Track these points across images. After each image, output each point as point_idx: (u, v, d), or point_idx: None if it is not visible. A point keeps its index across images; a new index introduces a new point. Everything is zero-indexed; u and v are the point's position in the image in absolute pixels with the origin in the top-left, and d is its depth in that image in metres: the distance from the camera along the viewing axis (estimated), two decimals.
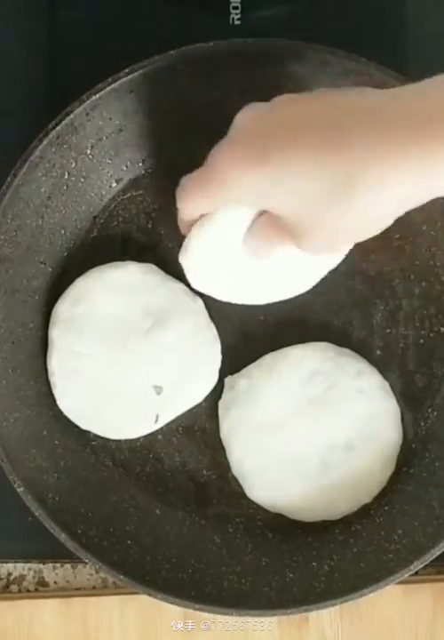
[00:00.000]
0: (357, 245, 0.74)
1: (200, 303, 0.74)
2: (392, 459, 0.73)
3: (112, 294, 0.73)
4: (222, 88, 0.74)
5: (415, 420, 0.75)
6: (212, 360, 0.74)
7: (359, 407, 0.73)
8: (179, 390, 0.73)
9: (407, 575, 0.69)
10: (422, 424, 0.75)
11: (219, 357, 0.74)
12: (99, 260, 0.75)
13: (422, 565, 0.69)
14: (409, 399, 0.75)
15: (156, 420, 0.73)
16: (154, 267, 0.74)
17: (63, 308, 0.73)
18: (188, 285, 0.73)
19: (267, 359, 0.74)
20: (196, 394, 0.74)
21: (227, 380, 0.74)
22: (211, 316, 0.75)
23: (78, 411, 0.73)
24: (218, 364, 0.74)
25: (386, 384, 0.74)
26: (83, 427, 0.73)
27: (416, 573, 0.71)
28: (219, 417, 0.74)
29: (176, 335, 0.73)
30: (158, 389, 0.73)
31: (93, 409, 0.73)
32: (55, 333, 0.73)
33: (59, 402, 0.73)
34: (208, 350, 0.74)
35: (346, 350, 0.74)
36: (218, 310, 0.75)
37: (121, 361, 0.73)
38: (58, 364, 0.73)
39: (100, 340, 0.73)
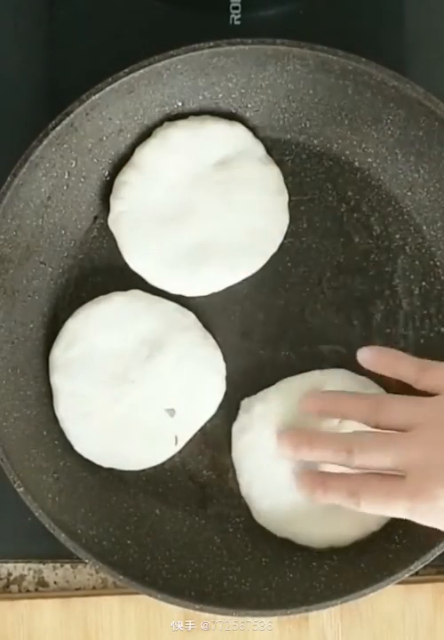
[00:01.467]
0: (357, 246, 0.75)
1: (192, 317, 0.74)
2: None
3: (103, 330, 0.73)
4: (222, 88, 0.74)
5: None
6: (217, 370, 0.74)
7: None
8: (192, 407, 0.73)
9: (407, 575, 0.68)
10: None
11: (223, 365, 0.74)
12: (99, 260, 0.75)
13: (422, 565, 0.68)
14: None
15: (176, 442, 0.73)
16: (138, 292, 0.73)
17: (58, 354, 0.73)
18: (176, 300, 0.74)
19: (285, 384, 0.73)
20: (209, 406, 0.74)
21: (244, 402, 0.73)
22: (211, 317, 0.75)
23: (97, 452, 0.73)
24: (224, 372, 0.74)
25: None
26: (106, 465, 0.73)
27: (417, 573, 0.70)
28: (232, 438, 0.73)
29: (175, 356, 0.73)
30: (171, 412, 0.73)
31: (111, 446, 0.73)
32: (56, 380, 0.73)
33: (75, 446, 0.73)
34: (210, 361, 0.74)
35: (363, 378, 0.73)
36: (217, 311, 0.75)
37: (127, 393, 0.72)
38: (65, 410, 0.73)
39: (102, 379, 0.73)
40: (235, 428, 0.73)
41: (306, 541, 0.72)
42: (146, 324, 0.73)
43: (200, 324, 0.74)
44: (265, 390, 0.74)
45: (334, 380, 0.73)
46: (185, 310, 0.74)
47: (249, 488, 0.73)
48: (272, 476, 0.72)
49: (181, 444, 0.73)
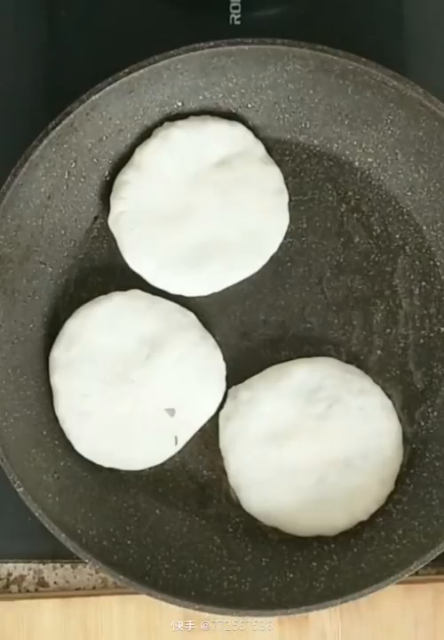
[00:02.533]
0: (357, 246, 0.76)
1: (192, 317, 0.74)
2: (391, 477, 0.73)
3: (103, 330, 0.73)
4: (222, 88, 0.74)
5: (414, 420, 0.74)
6: (217, 369, 0.74)
7: (359, 425, 0.73)
8: (192, 407, 0.73)
9: (407, 575, 0.68)
10: (422, 424, 0.74)
11: (223, 365, 0.74)
12: (99, 260, 0.75)
13: (422, 565, 0.68)
14: (409, 399, 0.74)
15: (176, 442, 0.73)
16: (138, 291, 0.74)
17: (58, 354, 0.73)
18: (176, 300, 0.74)
19: (272, 372, 0.74)
20: (209, 406, 0.74)
21: (230, 390, 0.74)
22: (211, 317, 0.75)
23: (97, 451, 0.73)
24: (224, 372, 0.74)
25: (389, 403, 0.74)
26: (106, 465, 0.73)
27: (417, 573, 0.70)
28: (219, 427, 0.73)
29: (175, 356, 0.73)
30: (171, 412, 0.72)
31: (112, 446, 0.72)
32: (56, 380, 0.73)
33: (76, 446, 0.73)
34: (210, 361, 0.74)
35: (351, 367, 0.74)
36: (217, 311, 0.75)
37: (127, 393, 0.72)
38: (66, 410, 0.72)
39: (102, 378, 0.73)
40: (222, 416, 0.73)
41: (294, 530, 0.72)
42: (147, 323, 0.73)
43: (199, 324, 0.74)
44: (252, 378, 0.74)
45: (320, 367, 0.73)
46: (184, 310, 0.74)
47: (237, 477, 0.73)
48: (259, 463, 0.72)
49: (181, 443, 0.73)
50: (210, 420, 0.74)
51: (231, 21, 0.78)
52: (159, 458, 0.73)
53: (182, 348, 0.73)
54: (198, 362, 0.73)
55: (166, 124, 0.74)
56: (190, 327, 0.74)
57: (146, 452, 0.73)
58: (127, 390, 0.73)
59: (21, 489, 0.68)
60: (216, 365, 0.74)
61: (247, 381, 0.74)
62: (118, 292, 0.74)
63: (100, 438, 0.73)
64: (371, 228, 0.76)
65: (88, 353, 0.73)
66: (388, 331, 0.75)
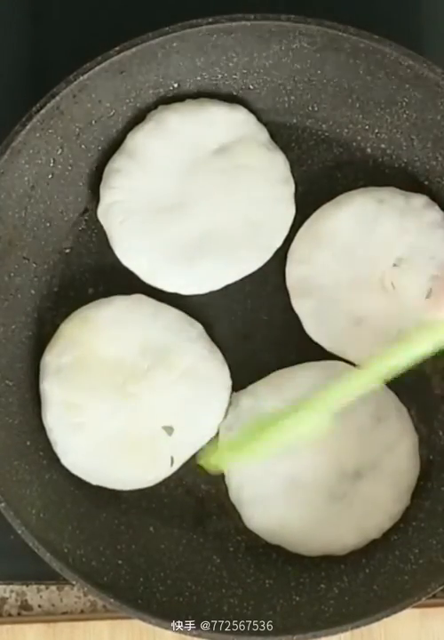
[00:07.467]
0: None
1: (199, 328, 0.73)
2: (407, 491, 0.71)
3: (101, 336, 0.72)
4: (222, 68, 0.73)
5: (432, 428, 0.73)
6: (222, 387, 0.72)
7: (372, 434, 0.71)
8: (192, 426, 0.72)
9: (424, 598, 0.67)
10: (440, 433, 0.73)
11: (229, 383, 0.72)
12: (88, 255, 0.74)
13: (440, 588, 0.67)
14: (426, 406, 0.73)
15: (172, 463, 0.71)
16: (143, 297, 0.73)
17: (51, 359, 0.72)
18: (171, 299, 0.73)
19: (276, 377, 0.72)
20: (210, 426, 0.72)
21: (231, 397, 0.72)
22: (209, 318, 0.74)
23: (85, 467, 0.71)
24: (229, 390, 0.72)
25: (404, 409, 0.72)
26: (94, 482, 0.72)
27: (434, 596, 0.69)
28: (220, 437, 0.72)
29: (179, 370, 0.72)
30: (169, 430, 0.71)
31: (101, 463, 0.71)
32: (47, 386, 0.71)
33: (62, 460, 0.71)
34: (216, 378, 0.72)
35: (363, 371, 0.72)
36: (216, 311, 0.74)
37: (123, 407, 0.71)
38: (55, 419, 0.71)
39: (97, 389, 0.71)
40: (223, 426, 0.72)
41: (300, 549, 0.71)
42: (150, 332, 0.72)
43: (207, 337, 0.73)
44: (255, 384, 0.73)
45: (327, 371, 0.72)
46: (192, 320, 0.73)
47: (238, 491, 0.71)
48: (263, 477, 0.71)
49: (177, 465, 0.72)
50: None
51: None
52: (151, 479, 0.72)
53: (188, 361, 0.71)
54: (203, 378, 0.72)
55: (161, 107, 0.73)
56: (197, 339, 0.72)
57: (137, 473, 0.72)
58: (123, 403, 0.71)
59: (3, 504, 0.67)
60: (222, 383, 0.72)
61: (249, 387, 0.73)
62: (120, 296, 0.72)
63: (89, 454, 0.71)
64: None
65: (84, 360, 0.71)
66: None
